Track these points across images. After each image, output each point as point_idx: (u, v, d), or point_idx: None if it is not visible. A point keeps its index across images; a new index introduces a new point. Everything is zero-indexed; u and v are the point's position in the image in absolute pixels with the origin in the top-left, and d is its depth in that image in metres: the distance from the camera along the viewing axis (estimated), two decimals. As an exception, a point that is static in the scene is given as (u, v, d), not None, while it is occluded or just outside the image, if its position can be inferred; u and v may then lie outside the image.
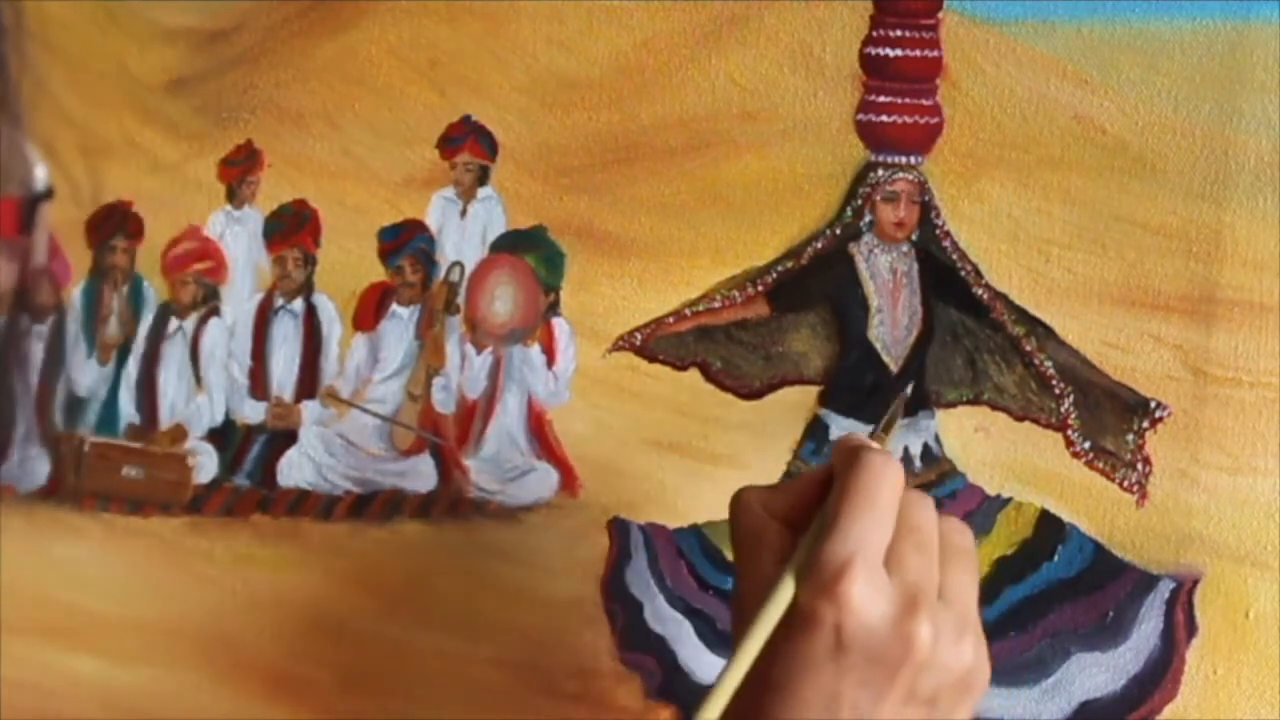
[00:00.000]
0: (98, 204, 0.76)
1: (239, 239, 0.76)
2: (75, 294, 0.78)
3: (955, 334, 0.65)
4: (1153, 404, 0.62)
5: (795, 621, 0.47)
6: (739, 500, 0.52)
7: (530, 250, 0.71)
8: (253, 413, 0.76)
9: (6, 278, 0.41)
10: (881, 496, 0.48)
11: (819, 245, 0.66)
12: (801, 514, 0.50)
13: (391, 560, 0.72)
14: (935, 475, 0.65)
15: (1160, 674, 0.62)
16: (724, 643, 0.67)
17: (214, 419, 0.76)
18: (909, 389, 0.63)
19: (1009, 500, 0.64)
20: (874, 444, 0.51)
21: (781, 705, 0.46)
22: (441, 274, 0.72)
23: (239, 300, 0.76)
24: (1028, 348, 0.63)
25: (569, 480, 0.70)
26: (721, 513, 0.67)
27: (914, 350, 0.65)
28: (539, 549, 0.70)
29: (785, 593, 0.47)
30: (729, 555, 0.67)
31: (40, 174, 0.40)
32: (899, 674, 0.46)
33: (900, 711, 0.46)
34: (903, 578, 0.47)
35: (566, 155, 0.69)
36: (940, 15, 0.64)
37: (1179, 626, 0.61)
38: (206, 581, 0.75)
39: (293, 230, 0.74)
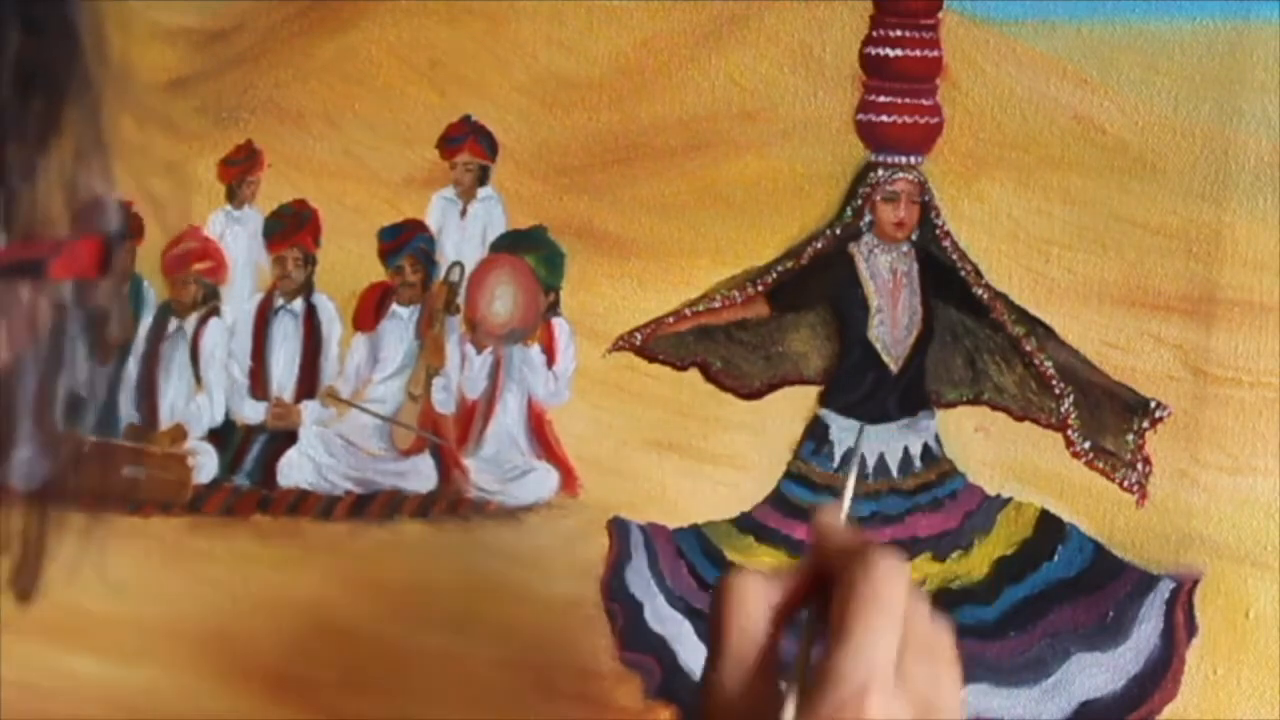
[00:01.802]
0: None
1: (239, 239, 0.76)
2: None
3: (955, 334, 0.65)
4: (1153, 404, 0.62)
5: None
6: (730, 585, 0.51)
7: (530, 250, 0.71)
8: (253, 413, 0.76)
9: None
10: (895, 607, 0.46)
11: (819, 245, 0.66)
12: (792, 609, 0.49)
13: (391, 560, 0.72)
14: (935, 475, 0.65)
15: (1160, 674, 0.62)
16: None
17: (214, 419, 0.76)
18: (857, 454, 0.63)
19: (1009, 500, 0.64)
20: (877, 543, 0.50)
21: None
22: (441, 274, 0.72)
23: (239, 300, 0.76)
24: (1028, 348, 0.63)
25: (569, 480, 0.70)
26: (722, 513, 0.67)
27: (914, 350, 0.65)
28: (539, 549, 0.70)
29: (792, 704, 0.47)
30: (729, 555, 0.67)
31: (119, 213, 0.39)
32: None
33: None
34: (913, 689, 0.46)
35: (566, 155, 0.69)
36: (940, 15, 0.64)
37: (1179, 626, 0.61)
38: (207, 581, 0.75)
39: (293, 230, 0.74)
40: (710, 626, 0.50)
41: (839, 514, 0.52)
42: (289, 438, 0.75)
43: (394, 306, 0.73)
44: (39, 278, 0.37)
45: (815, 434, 0.66)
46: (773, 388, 0.67)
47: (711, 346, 0.68)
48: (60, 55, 0.36)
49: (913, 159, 0.64)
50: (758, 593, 0.49)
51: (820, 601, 0.48)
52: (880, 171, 0.65)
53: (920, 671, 0.47)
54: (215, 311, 0.76)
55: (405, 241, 0.73)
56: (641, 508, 0.68)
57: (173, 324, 0.77)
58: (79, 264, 0.38)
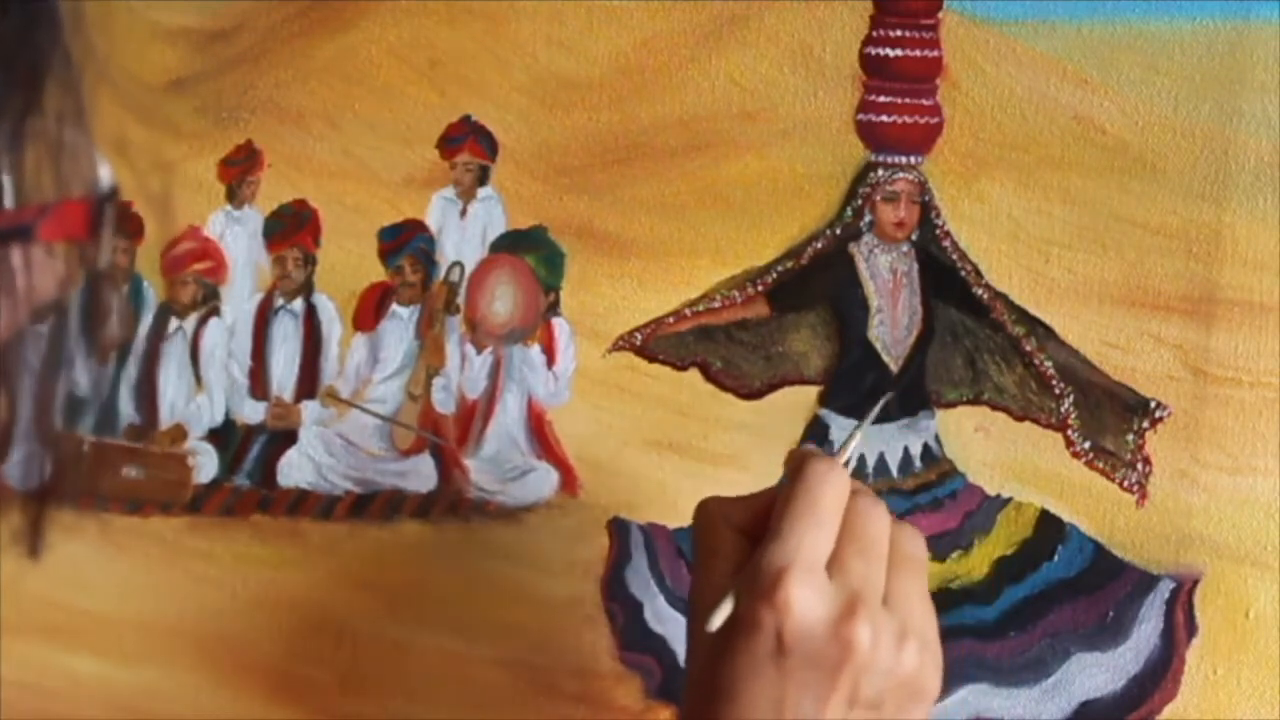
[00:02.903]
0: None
1: (239, 239, 0.76)
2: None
3: (955, 334, 0.65)
4: (1153, 404, 0.62)
5: (738, 627, 0.47)
6: (700, 510, 0.53)
7: (530, 250, 0.71)
8: (253, 413, 0.76)
9: (62, 279, 0.41)
10: (822, 502, 0.48)
11: (819, 245, 0.66)
12: (758, 525, 0.50)
13: (391, 560, 0.72)
14: (935, 475, 0.65)
15: (1160, 674, 0.62)
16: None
17: (214, 419, 0.76)
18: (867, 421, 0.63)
19: (1009, 500, 0.64)
20: (819, 451, 0.52)
21: (727, 709, 0.47)
22: (441, 274, 0.72)
23: (239, 300, 0.76)
24: (1028, 348, 0.63)
25: (569, 480, 0.70)
26: (721, 513, 0.67)
27: (914, 350, 0.65)
28: (539, 549, 0.70)
29: (729, 601, 0.48)
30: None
31: (106, 174, 0.39)
32: (839, 676, 0.46)
33: (844, 713, 0.46)
34: (844, 582, 0.47)
35: (566, 155, 0.69)
36: (940, 15, 0.64)
37: (1179, 626, 0.61)
38: (206, 581, 0.75)
39: (293, 230, 0.74)
40: (693, 546, 0.52)
41: (815, 449, 0.54)
42: (289, 438, 0.75)
43: (394, 306, 0.73)
44: (28, 241, 0.38)
45: (815, 434, 0.66)
46: (773, 388, 0.67)
47: (711, 346, 0.68)
48: (41, 31, 0.36)
49: (913, 159, 0.64)
50: (726, 515, 0.52)
51: None
52: (880, 171, 0.65)
53: (856, 566, 0.48)
54: (215, 311, 0.76)
55: (405, 241, 0.73)
56: (641, 508, 0.68)
57: (173, 324, 0.77)
58: (68, 225, 0.38)
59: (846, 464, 0.54)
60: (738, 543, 0.50)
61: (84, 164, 0.39)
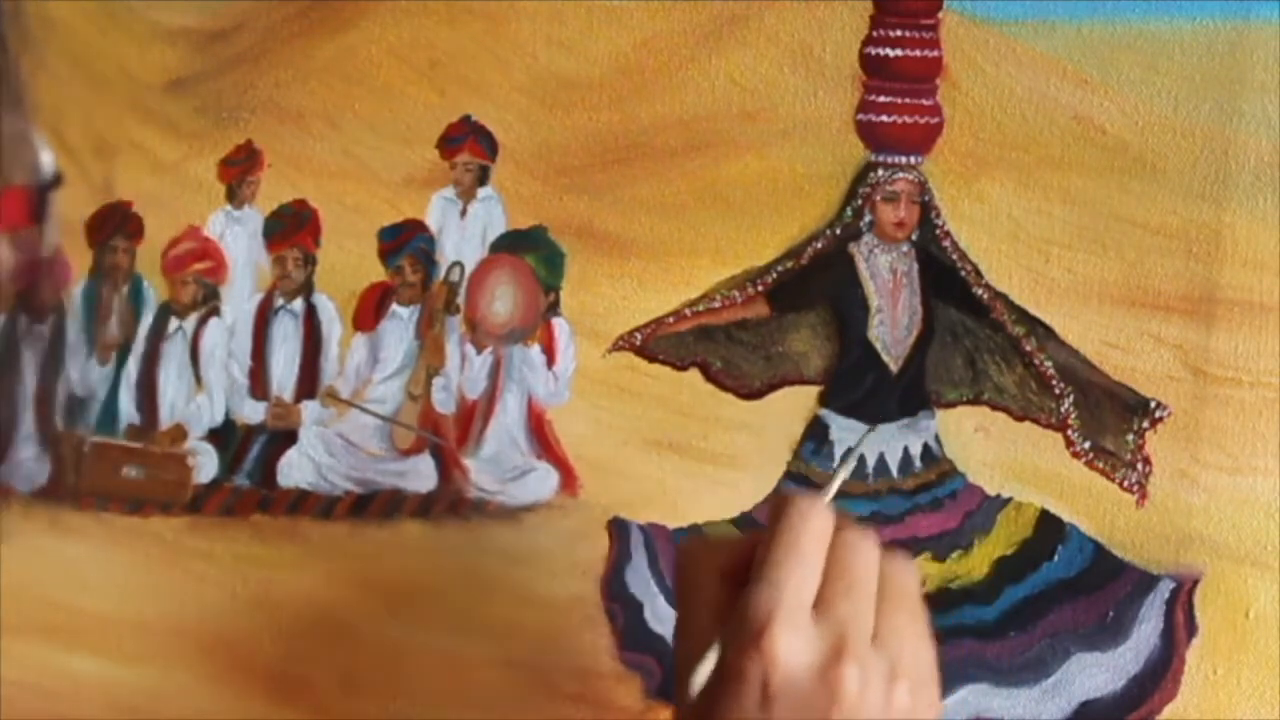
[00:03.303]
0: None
1: (239, 239, 0.76)
2: (75, 294, 0.78)
3: (955, 334, 0.65)
4: (1153, 404, 0.62)
5: (725, 678, 0.46)
6: (681, 553, 0.52)
7: (530, 250, 0.71)
8: (253, 413, 0.76)
9: (10, 268, 0.40)
10: (804, 542, 0.47)
11: (819, 245, 0.66)
12: (741, 569, 0.49)
13: (391, 560, 0.72)
14: (935, 475, 0.65)
15: (1160, 674, 0.62)
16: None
17: (214, 419, 0.76)
18: (856, 452, 0.63)
19: (1009, 500, 0.64)
20: (798, 493, 0.51)
21: None
22: (441, 274, 0.72)
23: (239, 300, 0.76)
24: (1028, 348, 0.63)
25: (569, 480, 0.70)
26: (721, 513, 0.67)
27: (914, 350, 0.65)
28: (539, 549, 0.70)
29: (712, 656, 0.47)
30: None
31: (48, 161, 0.39)
32: None
33: None
34: (830, 623, 0.46)
35: (566, 155, 0.70)
36: (940, 15, 0.64)
37: (1179, 626, 0.61)
38: (206, 581, 0.75)
39: (293, 230, 0.74)
40: (674, 591, 0.51)
41: (797, 490, 0.53)
42: (289, 438, 0.75)
43: (394, 306, 0.73)
44: None
45: (815, 434, 0.66)
46: (773, 388, 0.67)
47: (711, 346, 0.68)
48: None
49: (913, 159, 0.64)
50: (709, 558, 0.51)
51: None
52: (880, 171, 0.65)
53: (842, 606, 0.47)
54: (215, 311, 0.76)
55: (405, 241, 0.73)
56: (641, 508, 0.68)
57: (173, 324, 0.77)
58: (9, 215, 0.38)
59: (838, 494, 0.54)
60: (721, 588, 0.49)
61: (25, 152, 0.39)
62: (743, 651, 0.46)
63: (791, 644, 0.45)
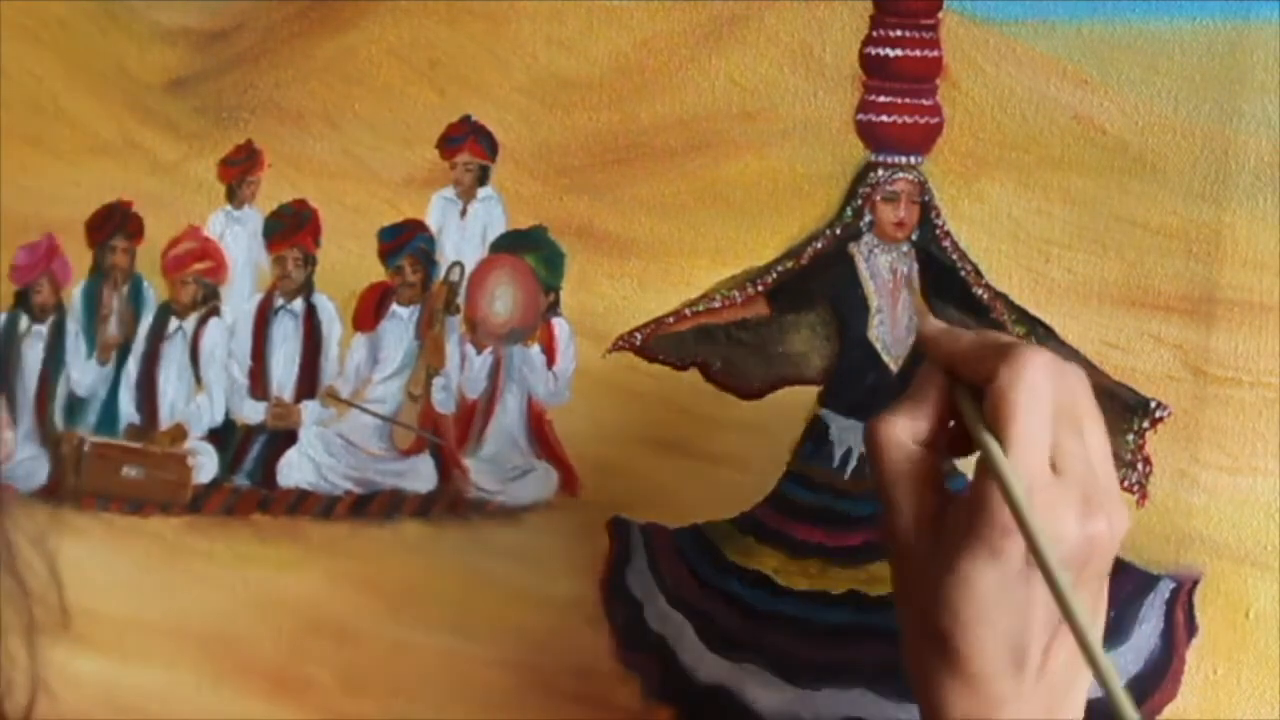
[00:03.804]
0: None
1: (239, 239, 0.76)
2: (75, 294, 0.78)
3: (955, 334, 0.65)
4: (1153, 404, 0.62)
5: (977, 556, 0.45)
6: (881, 434, 0.49)
7: (530, 250, 0.71)
8: (253, 413, 0.76)
9: None
10: (1045, 404, 0.46)
11: (819, 245, 0.66)
12: (940, 433, 0.49)
13: (391, 560, 0.72)
14: (935, 475, 0.65)
15: (1160, 674, 0.62)
16: (724, 643, 0.67)
17: (214, 419, 0.76)
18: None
19: (1009, 500, 0.64)
20: (1019, 343, 0.48)
21: (977, 630, 0.46)
22: (441, 274, 0.72)
23: (239, 300, 0.76)
24: (1028, 348, 0.63)
25: (569, 480, 0.70)
26: (722, 513, 0.67)
27: (914, 350, 0.65)
28: (539, 549, 0.70)
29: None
30: (729, 555, 0.67)
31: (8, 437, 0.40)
32: (1085, 572, 0.46)
33: (1082, 598, 0.45)
34: (1073, 471, 0.46)
35: (566, 155, 0.69)
36: (940, 15, 0.64)
37: (1179, 626, 0.61)
38: (207, 581, 0.75)
39: (293, 230, 0.74)
40: (876, 478, 0.50)
41: (937, 324, 0.51)
42: (289, 438, 0.75)
43: (394, 306, 0.73)
44: None
45: (815, 434, 0.66)
46: (773, 388, 0.67)
47: (711, 346, 0.68)
48: None
49: (913, 159, 0.64)
50: (903, 433, 0.49)
51: (963, 405, 0.48)
52: (880, 171, 0.65)
53: (1073, 450, 0.46)
54: (215, 311, 0.76)
55: (405, 241, 0.73)
56: (641, 508, 0.68)
57: (173, 324, 0.77)
58: None
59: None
60: (932, 459, 0.49)
61: None
62: (1005, 536, 0.45)
63: (1049, 509, 0.45)
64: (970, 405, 0.48)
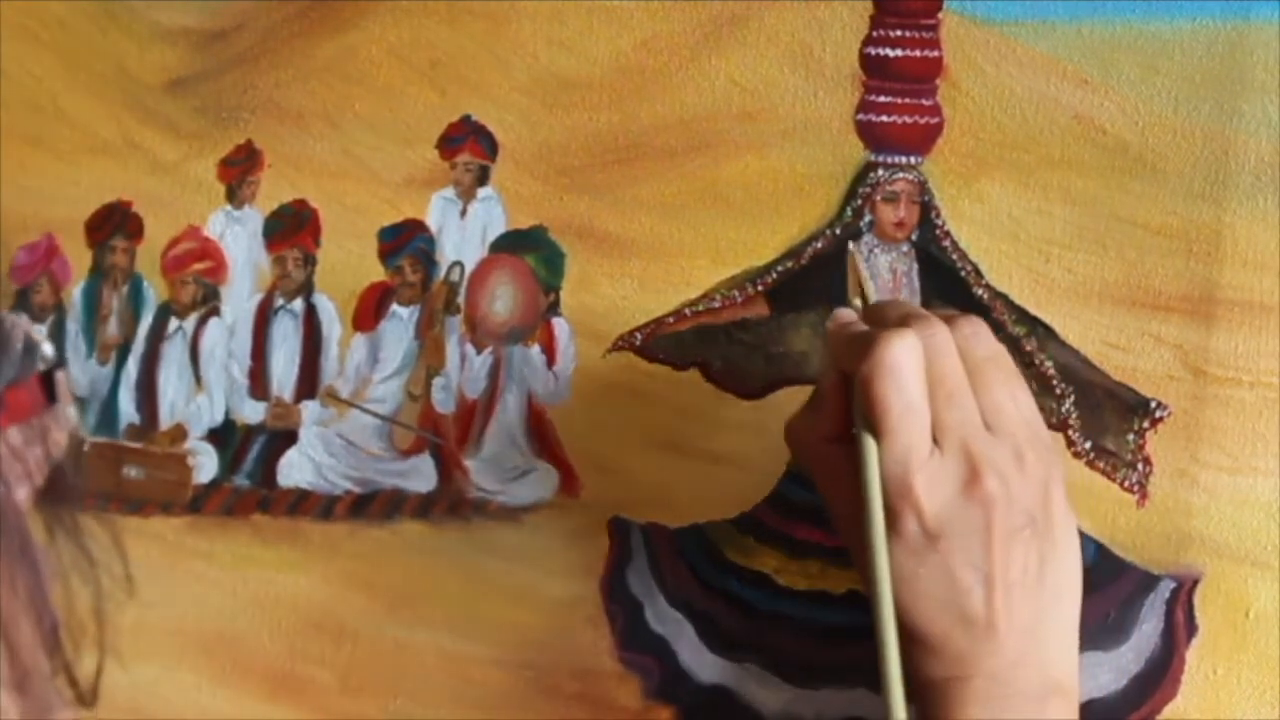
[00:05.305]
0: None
1: (239, 239, 0.76)
2: (75, 294, 0.78)
3: (955, 334, 0.65)
4: (1153, 404, 0.62)
5: (890, 531, 0.48)
6: (787, 435, 0.53)
7: (530, 250, 0.71)
8: (253, 413, 0.76)
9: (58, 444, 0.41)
10: (911, 386, 0.48)
11: (819, 245, 0.66)
12: (843, 426, 0.51)
13: (391, 560, 0.72)
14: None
15: (1160, 674, 0.62)
16: (724, 643, 0.67)
17: (214, 419, 0.76)
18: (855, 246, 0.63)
19: (1009, 500, 0.64)
20: (870, 331, 0.50)
21: (906, 600, 0.48)
22: (441, 274, 0.72)
23: (239, 300, 0.76)
24: (1028, 348, 0.63)
25: (569, 480, 0.70)
26: (722, 513, 0.67)
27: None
28: (539, 549, 0.70)
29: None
30: (729, 555, 0.67)
31: (48, 351, 0.39)
32: (991, 531, 0.47)
33: (1008, 551, 0.47)
34: (952, 442, 0.48)
35: (566, 155, 0.69)
36: (940, 15, 0.64)
37: (1179, 626, 0.61)
38: (207, 581, 0.75)
39: (293, 230, 0.74)
40: (807, 474, 0.53)
41: (841, 314, 0.53)
42: (289, 438, 0.75)
43: (394, 306, 0.73)
44: None
45: (815, 434, 0.66)
46: (773, 388, 0.67)
47: (711, 346, 0.68)
48: None
49: (913, 159, 0.64)
50: (805, 432, 0.53)
51: (853, 399, 0.50)
52: (880, 171, 0.65)
53: (953, 418, 0.48)
54: (215, 311, 0.76)
55: (405, 241, 0.73)
56: (641, 508, 0.68)
57: (173, 324, 0.77)
58: (24, 408, 0.38)
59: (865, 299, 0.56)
60: (841, 450, 0.50)
61: (27, 349, 0.39)
62: (894, 509, 0.47)
63: (930, 486, 0.47)
64: (855, 398, 0.50)
